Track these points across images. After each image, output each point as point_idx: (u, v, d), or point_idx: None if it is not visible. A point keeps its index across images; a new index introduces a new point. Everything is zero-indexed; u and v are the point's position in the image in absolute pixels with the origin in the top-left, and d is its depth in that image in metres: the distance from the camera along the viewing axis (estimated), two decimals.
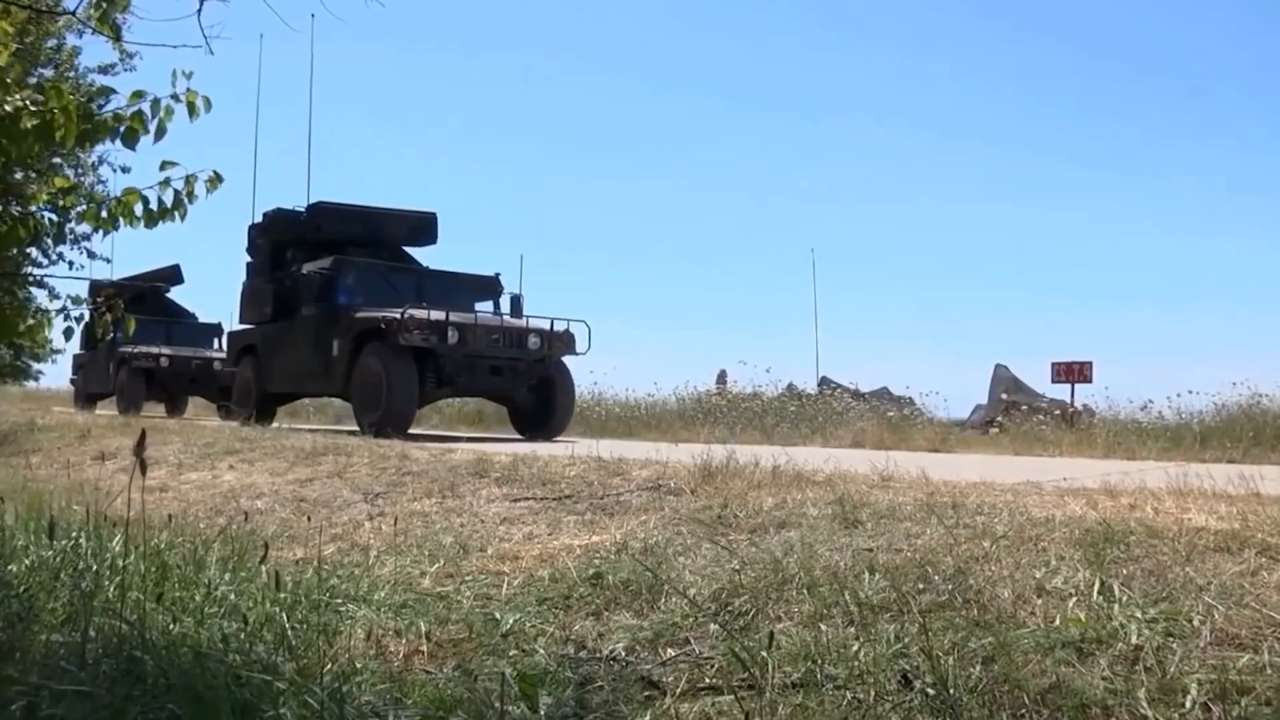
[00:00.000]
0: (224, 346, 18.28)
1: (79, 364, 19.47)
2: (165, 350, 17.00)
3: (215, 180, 2.73)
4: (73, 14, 3.10)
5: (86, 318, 3.06)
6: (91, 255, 13.92)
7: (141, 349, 16.65)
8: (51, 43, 11.72)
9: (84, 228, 3.11)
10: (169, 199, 2.70)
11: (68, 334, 3.03)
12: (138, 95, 2.59)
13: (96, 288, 16.35)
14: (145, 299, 17.76)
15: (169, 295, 19.22)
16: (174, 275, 19.14)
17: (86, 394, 18.71)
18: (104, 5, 2.75)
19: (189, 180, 2.70)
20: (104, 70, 12.68)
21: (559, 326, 9.99)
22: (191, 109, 2.60)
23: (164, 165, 2.68)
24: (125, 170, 13.67)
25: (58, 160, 11.54)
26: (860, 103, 46.19)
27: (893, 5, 45.02)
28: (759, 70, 46.55)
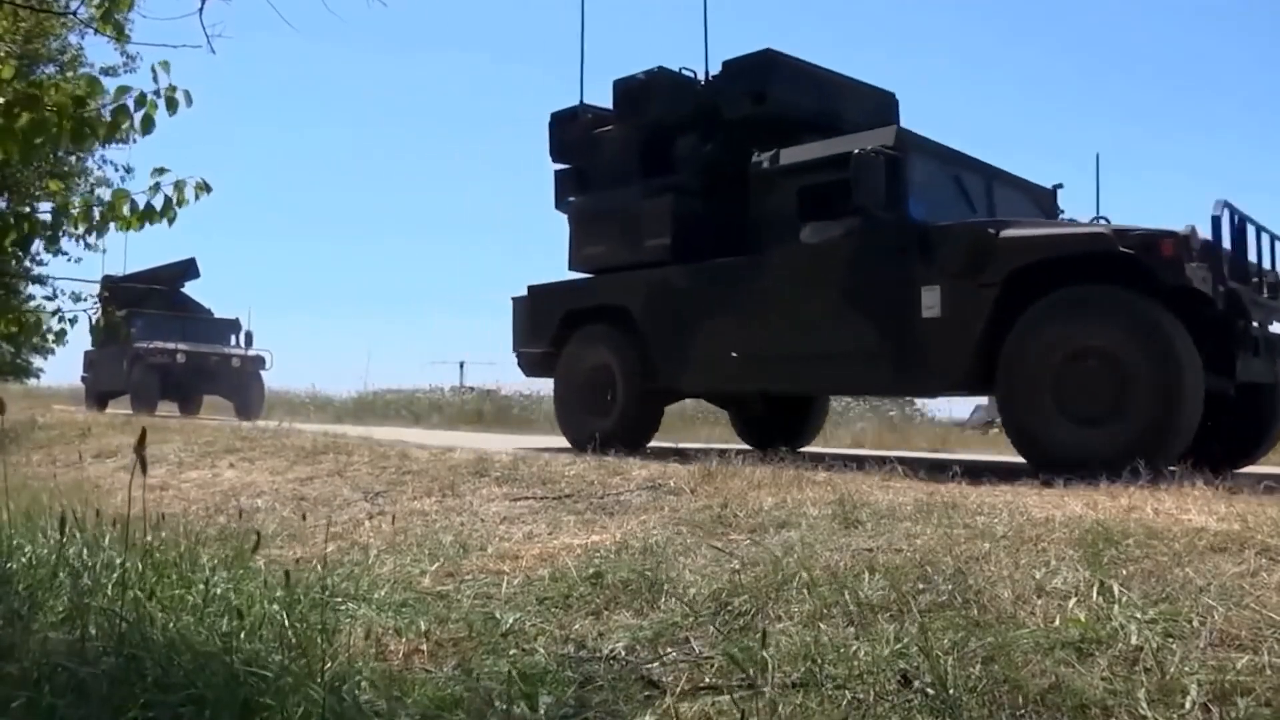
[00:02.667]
0: (242, 343, 17.08)
1: (89, 361, 18.19)
2: (181, 346, 15.96)
3: (203, 186, 2.80)
4: (73, 14, 3.11)
5: (92, 316, 3.06)
6: (89, 246, 13.80)
7: (156, 345, 15.68)
8: (55, 43, 11.69)
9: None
10: (158, 203, 2.78)
11: (59, 336, 3.04)
12: (122, 91, 2.64)
13: (109, 283, 15.60)
14: (159, 293, 16.79)
15: (183, 290, 18.09)
16: (189, 269, 17.89)
17: (98, 393, 17.64)
18: (106, 5, 2.76)
19: (178, 186, 2.78)
20: (107, 72, 12.66)
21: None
22: (170, 103, 2.64)
23: (155, 172, 2.80)
24: (128, 170, 13.69)
25: (62, 156, 11.47)
26: None
27: (892, 5, 45.06)
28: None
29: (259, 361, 16.93)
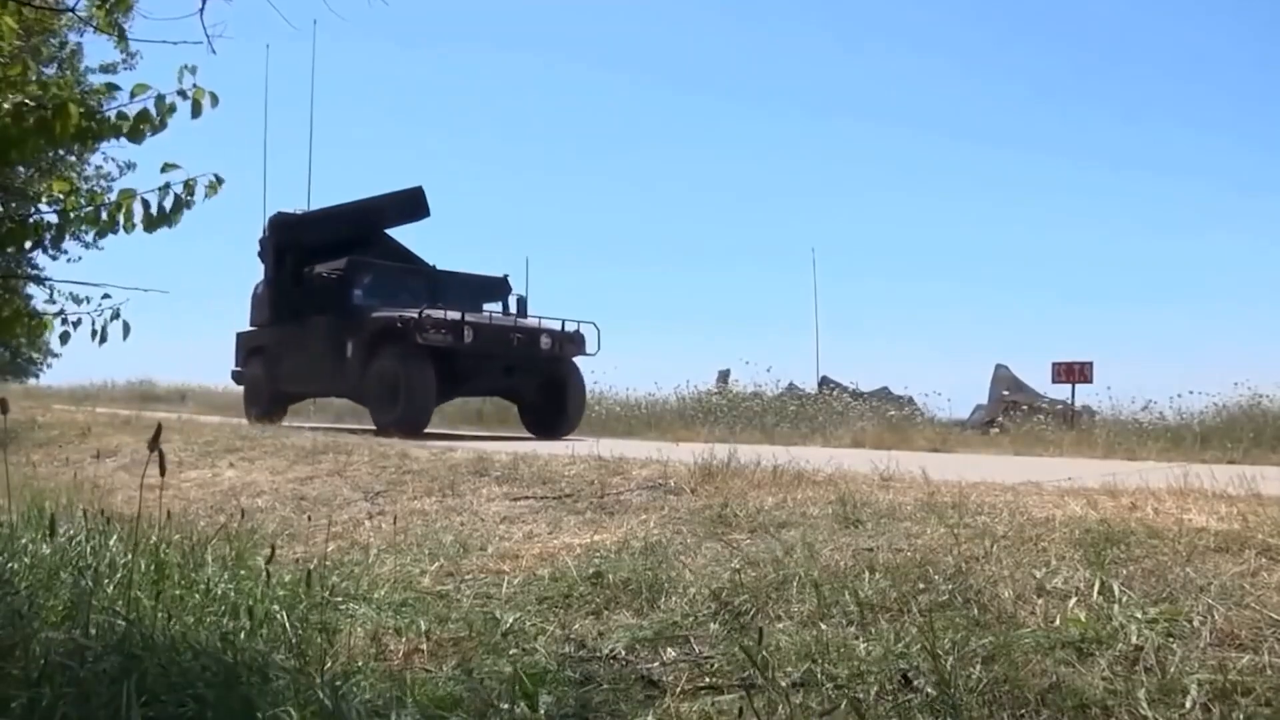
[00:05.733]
0: (517, 311, 10.94)
1: (253, 346, 11.57)
2: (469, 317, 9.39)
3: (215, 185, 2.69)
4: (73, 11, 3.10)
5: (96, 319, 2.89)
6: (87, 246, 13.64)
7: (429, 314, 9.13)
8: (54, 41, 11.70)
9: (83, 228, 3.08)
10: (169, 204, 2.65)
11: (63, 338, 2.98)
12: (141, 88, 2.56)
13: (280, 221, 11.10)
14: (364, 240, 11.01)
15: (389, 234, 11.72)
16: (414, 204, 11.62)
17: (275, 394, 11.23)
18: (107, 5, 2.75)
19: (188, 184, 2.64)
20: (106, 69, 12.69)
21: None
22: (196, 106, 2.58)
23: (165, 168, 2.63)
24: (130, 166, 13.59)
25: (64, 156, 11.45)
26: (860, 103, 46.16)
27: (893, 5, 45.00)
28: (759, 70, 46.54)
29: (579, 342, 10.11)
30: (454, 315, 9.30)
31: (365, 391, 9.66)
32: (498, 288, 11.17)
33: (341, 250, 10.57)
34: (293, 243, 11.00)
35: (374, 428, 9.71)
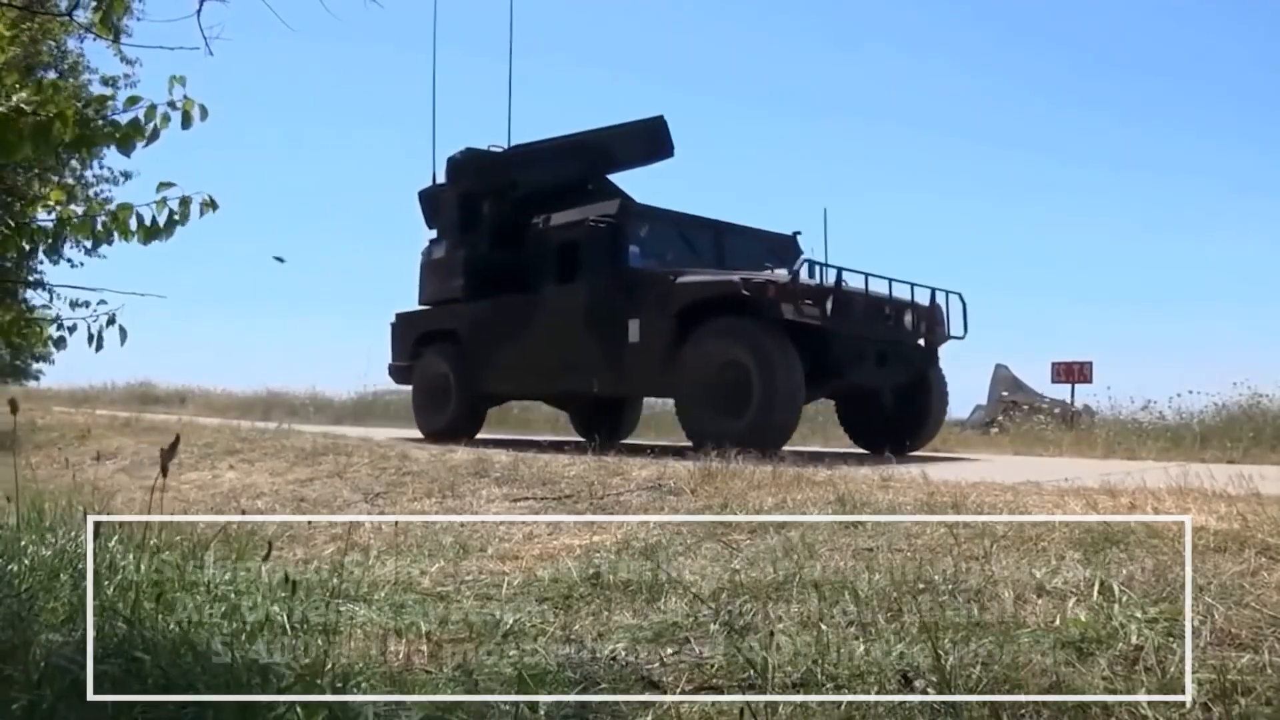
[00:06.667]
0: (805, 275, 7.07)
1: (427, 333, 8.76)
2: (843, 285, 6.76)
3: (210, 204, 2.74)
4: (69, 15, 3.10)
5: (91, 325, 2.90)
6: (89, 252, 13.68)
7: (798, 280, 6.59)
8: (55, 50, 11.68)
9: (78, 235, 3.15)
10: (163, 218, 2.71)
11: (59, 343, 3.00)
12: (133, 101, 2.60)
13: (476, 160, 8.58)
14: (583, 185, 8.64)
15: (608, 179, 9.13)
16: (655, 136, 9.08)
17: (474, 397, 8.40)
18: (104, 9, 2.75)
19: (184, 201, 2.71)
20: (108, 82, 12.69)
21: None
22: (186, 117, 2.61)
23: (161, 186, 2.69)
24: (125, 176, 13.60)
25: (58, 164, 11.44)
26: (860, 103, 46.22)
27: (892, 5, 45.07)
28: (759, 70, 46.60)
29: (942, 323, 7.45)
30: (811, 281, 6.81)
31: (679, 389, 6.83)
32: (787, 248, 8.22)
33: (556, 201, 7.96)
34: (493, 189, 8.33)
35: (584, 438, 7.66)
